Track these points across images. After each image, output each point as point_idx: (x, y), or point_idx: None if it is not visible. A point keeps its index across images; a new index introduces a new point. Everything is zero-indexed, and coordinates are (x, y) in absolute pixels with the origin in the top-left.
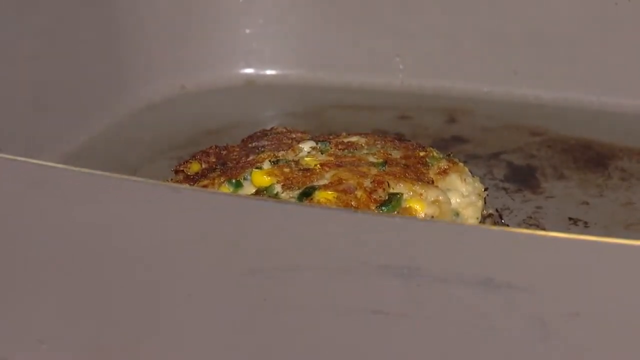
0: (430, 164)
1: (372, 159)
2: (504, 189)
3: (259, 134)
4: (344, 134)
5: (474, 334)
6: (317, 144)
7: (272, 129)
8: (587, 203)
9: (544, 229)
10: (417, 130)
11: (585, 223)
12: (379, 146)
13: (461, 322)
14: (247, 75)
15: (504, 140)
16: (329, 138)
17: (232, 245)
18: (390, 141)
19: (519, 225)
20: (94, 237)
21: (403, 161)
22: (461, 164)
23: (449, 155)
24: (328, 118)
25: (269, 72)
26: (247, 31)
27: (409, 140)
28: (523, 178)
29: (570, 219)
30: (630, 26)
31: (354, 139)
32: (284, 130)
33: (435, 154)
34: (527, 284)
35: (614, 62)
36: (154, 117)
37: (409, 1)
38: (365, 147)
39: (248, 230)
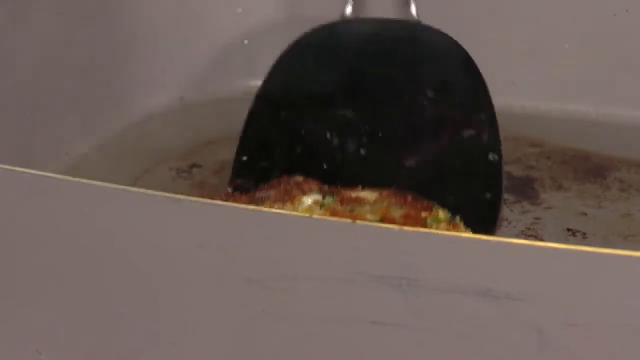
0: (429, 225)
1: (369, 216)
2: (504, 199)
3: (273, 182)
4: (359, 187)
5: (472, 344)
6: (323, 197)
7: (290, 177)
8: (586, 214)
9: (542, 239)
10: None
11: (584, 234)
12: (384, 204)
13: (459, 332)
14: (246, 85)
15: (503, 152)
16: (339, 191)
17: (230, 254)
18: (402, 199)
19: (517, 236)
20: (93, 247)
21: (402, 221)
22: (462, 227)
23: (453, 216)
24: None
25: None
26: (245, 42)
27: (423, 199)
28: (522, 189)
29: (568, 229)
30: (628, 37)
31: (363, 194)
32: (301, 180)
33: (440, 214)
34: (525, 294)
35: (613, 74)
36: (153, 128)
37: None
38: (370, 204)
39: (247, 240)
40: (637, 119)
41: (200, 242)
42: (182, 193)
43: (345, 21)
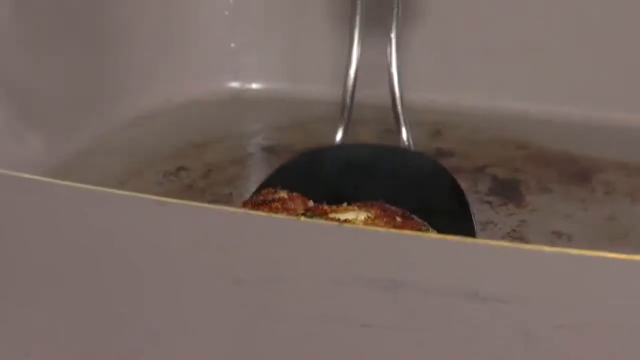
0: None
1: None
2: (488, 202)
3: (259, 200)
4: (344, 204)
5: (461, 345)
6: (310, 216)
7: (275, 190)
8: (571, 216)
9: (528, 242)
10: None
11: (569, 236)
12: (369, 225)
13: (448, 333)
14: (233, 88)
15: (488, 154)
16: (325, 211)
17: (222, 256)
18: (391, 219)
19: (503, 238)
20: (81, 251)
21: None
22: None
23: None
24: (313, 131)
25: (254, 85)
26: (233, 45)
27: (413, 218)
28: (507, 191)
29: (554, 232)
30: (614, 41)
31: (350, 215)
32: (285, 197)
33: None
34: (512, 296)
35: (599, 76)
36: (140, 130)
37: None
38: (357, 224)
39: (237, 242)
40: (623, 121)
41: (190, 244)
42: (169, 196)
43: (335, 146)
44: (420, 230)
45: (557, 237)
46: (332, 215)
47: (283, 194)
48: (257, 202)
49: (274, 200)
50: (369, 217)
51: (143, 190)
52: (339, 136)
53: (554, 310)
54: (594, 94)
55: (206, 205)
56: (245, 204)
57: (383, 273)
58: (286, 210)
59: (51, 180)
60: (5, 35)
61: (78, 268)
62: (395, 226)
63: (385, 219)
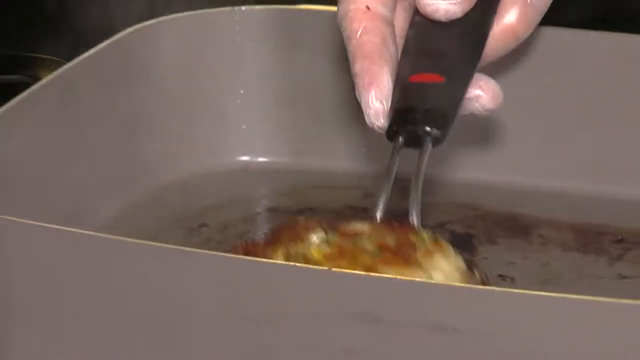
0: (419, 247)
1: (369, 246)
2: None
3: (280, 227)
4: (352, 222)
5: None
6: (326, 234)
7: (294, 220)
8: (514, 263)
9: None
10: None
11: (512, 279)
12: (377, 234)
13: (416, 358)
14: (243, 162)
15: (447, 214)
16: (338, 227)
17: (231, 298)
18: (390, 226)
19: None
20: (110, 296)
21: (395, 247)
22: (445, 244)
23: (434, 234)
24: (310, 196)
25: (261, 159)
26: (244, 127)
27: (406, 223)
28: (463, 243)
29: (500, 275)
30: (557, 115)
31: (358, 227)
32: (303, 221)
33: (424, 235)
34: (469, 328)
35: (539, 149)
36: (167, 196)
37: None
38: (367, 235)
39: (246, 285)
40: (558, 188)
41: (206, 289)
42: (192, 247)
43: None
44: (415, 232)
45: (503, 279)
46: (345, 230)
47: (301, 219)
48: (280, 229)
49: (296, 225)
50: (372, 228)
51: (172, 243)
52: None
53: (503, 341)
54: (535, 165)
55: (220, 254)
56: (268, 233)
57: (363, 308)
58: (306, 230)
59: (93, 233)
60: (56, 116)
61: (109, 308)
62: (394, 231)
63: (385, 228)
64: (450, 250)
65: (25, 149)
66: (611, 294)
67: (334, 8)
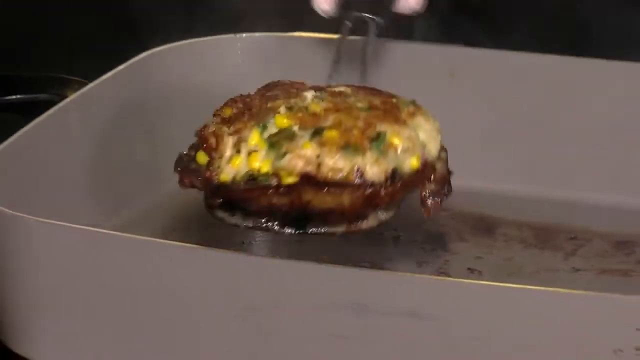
0: (402, 108)
1: (359, 104)
2: (422, 248)
3: (270, 85)
4: (333, 84)
5: (405, 350)
6: (316, 92)
7: (278, 81)
8: (481, 258)
9: (450, 276)
10: None
11: (480, 272)
12: (362, 95)
13: (397, 342)
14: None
15: (422, 215)
16: (324, 88)
17: (234, 289)
18: (370, 90)
19: (432, 274)
20: (126, 288)
21: (382, 106)
22: (424, 108)
23: (413, 101)
24: None
25: None
26: None
27: (381, 91)
28: (436, 240)
29: (469, 269)
30: (523, 125)
31: (341, 89)
32: (288, 82)
33: (403, 100)
34: (441, 315)
35: (505, 157)
36: (175, 200)
37: None
38: (352, 95)
39: (248, 278)
40: (520, 192)
41: (213, 280)
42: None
43: None
44: (395, 98)
45: (471, 272)
46: (331, 90)
47: (285, 81)
48: (268, 87)
49: (280, 84)
50: (353, 89)
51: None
52: None
53: (471, 326)
54: (499, 172)
55: (224, 251)
56: (260, 90)
57: (350, 298)
58: (295, 88)
59: (114, 232)
60: (80, 128)
61: (127, 299)
62: (375, 94)
63: (364, 90)
64: (429, 113)
65: (53, 158)
66: (566, 285)
67: (328, 35)
